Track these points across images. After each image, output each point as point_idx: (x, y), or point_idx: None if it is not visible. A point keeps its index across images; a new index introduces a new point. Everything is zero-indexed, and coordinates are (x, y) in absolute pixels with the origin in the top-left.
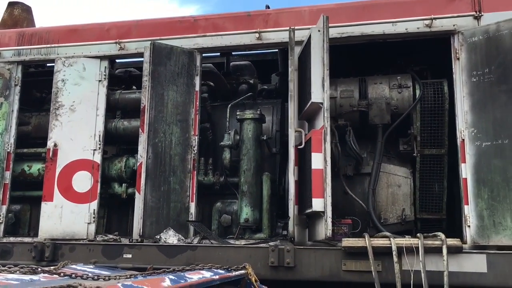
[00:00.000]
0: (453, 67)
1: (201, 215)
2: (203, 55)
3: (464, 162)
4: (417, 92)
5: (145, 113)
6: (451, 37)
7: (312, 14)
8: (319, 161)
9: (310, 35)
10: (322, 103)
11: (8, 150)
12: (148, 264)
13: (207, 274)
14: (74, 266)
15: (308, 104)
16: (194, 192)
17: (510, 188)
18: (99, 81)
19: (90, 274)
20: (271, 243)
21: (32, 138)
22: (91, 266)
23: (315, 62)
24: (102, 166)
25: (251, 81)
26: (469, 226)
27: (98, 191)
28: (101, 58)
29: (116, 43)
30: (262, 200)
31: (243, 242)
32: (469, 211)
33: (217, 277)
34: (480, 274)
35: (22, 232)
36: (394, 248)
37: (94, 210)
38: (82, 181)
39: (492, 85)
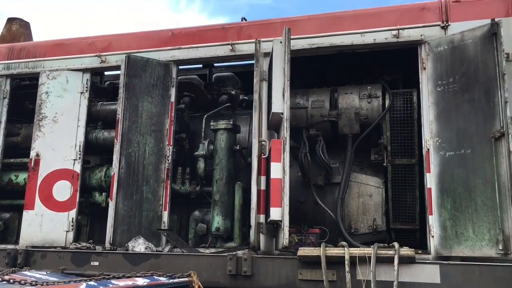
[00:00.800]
0: (420, 76)
1: (179, 224)
2: (185, 67)
3: (429, 172)
4: (387, 102)
5: (119, 123)
6: (418, 47)
7: (285, 26)
8: (278, 170)
9: (272, 47)
10: (282, 113)
11: None
12: (114, 271)
13: (140, 282)
14: (25, 273)
15: (270, 115)
16: (168, 201)
17: (471, 198)
18: (81, 93)
19: (28, 280)
20: (234, 252)
21: (21, 148)
22: (44, 273)
23: (276, 73)
24: (83, 175)
25: (233, 92)
26: (432, 236)
27: (77, 200)
28: (83, 70)
29: (97, 56)
30: (234, 209)
31: (213, 250)
32: (433, 221)
33: (145, 283)
34: (433, 285)
35: (10, 240)
36: (347, 257)
37: (72, 218)
38: (62, 190)
39: (456, 94)
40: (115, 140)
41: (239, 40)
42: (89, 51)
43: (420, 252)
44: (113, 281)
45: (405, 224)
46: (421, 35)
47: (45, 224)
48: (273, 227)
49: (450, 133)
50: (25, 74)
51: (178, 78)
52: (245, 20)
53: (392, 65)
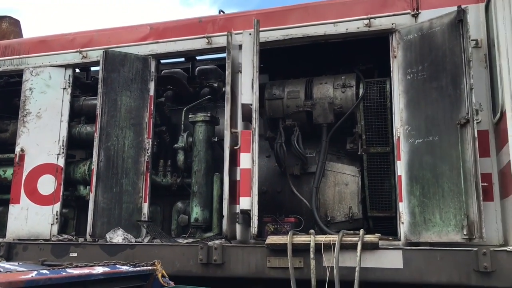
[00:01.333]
0: (391, 65)
1: (162, 215)
2: (170, 61)
3: (399, 159)
4: (361, 91)
5: (97, 118)
6: (389, 36)
7: (260, 18)
8: (247, 160)
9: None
10: (251, 104)
11: None
12: (92, 261)
13: (99, 270)
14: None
15: (240, 106)
16: (147, 193)
17: (439, 184)
18: (64, 88)
19: None
20: (206, 242)
21: (10, 144)
22: (16, 263)
23: (245, 64)
24: (68, 169)
25: (215, 85)
26: (402, 223)
27: (61, 193)
28: (66, 66)
29: (78, 52)
30: (212, 200)
31: (189, 240)
32: (403, 208)
33: (100, 272)
34: (396, 270)
35: (2, 234)
36: (312, 245)
37: (57, 211)
38: (47, 184)
39: (424, 82)
40: (95, 134)
41: (214, 33)
42: (71, 47)
43: (391, 238)
44: (68, 270)
45: (382, 212)
46: (392, 24)
47: (30, 218)
48: (248, 217)
49: (419, 121)
50: (9, 71)
51: (162, 72)
52: (223, 12)
53: (367, 55)
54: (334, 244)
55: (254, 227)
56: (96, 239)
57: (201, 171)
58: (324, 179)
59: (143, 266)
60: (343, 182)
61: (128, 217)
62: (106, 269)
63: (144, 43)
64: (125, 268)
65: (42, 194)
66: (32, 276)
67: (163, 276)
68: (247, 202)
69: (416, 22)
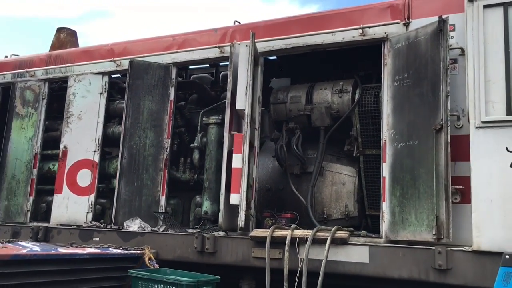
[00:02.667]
0: (382, 72)
1: (183, 208)
2: (199, 66)
3: (385, 161)
4: (357, 96)
5: (123, 120)
6: (382, 44)
7: (266, 28)
8: (238, 161)
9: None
10: (244, 110)
11: (36, 152)
12: (112, 244)
13: (90, 251)
14: (21, 243)
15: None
16: (165, 187)
17: (416, 186)
18: (101, 93)
19: (14, 247)
20: (202, 233)
21: (60, 142)
22: (37, 244)
23: (241, 73)
24: (103, 165)
25: None
26: (384, 221)
27: (96, 186)
28: (103, 74)
29: (112, 61)
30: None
31: (192, 231)
32: (385, 207)
33: (86, 252)
34: (363, 264)
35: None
36: (288, 238)
37: (91, 201)
38: (84, 177)
39: (409, 88)
40: (122, 134)
41: (227, 43)
42: (107, 57)
43: (373, 236)
44: (59, 249)
45: (378, 211)
46: (385, 33)
47: (70, 206)
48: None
49: (402, 125)
50: (58, 78)
51: (191, 76)
52: (238, 23)
53: (370, 61)
54: (307, 239)
55: (241, 220)
56: (119, 227)
57: (211, 168)
58: (323, 178)
59: (133, 250)
60: (340, 182)
61: (147, 208)
62: (95, 250)
63: (167, 53)
64: (116, 251)
65: (80, 186)
66: (20, 252)
67: (150, 259)
68: (237, 198)
69: (407, 30)
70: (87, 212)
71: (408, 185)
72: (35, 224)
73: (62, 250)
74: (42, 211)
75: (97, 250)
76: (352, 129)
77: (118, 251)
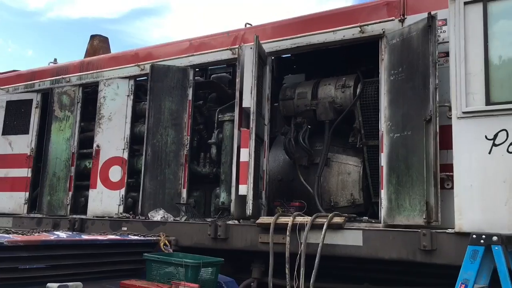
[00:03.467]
0: (379, 67)
1: (204, 199)
2: (217, 66)
3: (383, 152)
4: (359, 90)
5: (146, 120)
6: (379, 40)
7: (274, 30)
8: (245, 155)
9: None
10: (249, 108)
11: (73, 151)
12: (131, 232)
13: (111, 237)
14: (55, 232)
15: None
16: (186, 180)
17: (409, 174)
18: (128, 96)
19: (45, 235)
20: (215, 221)
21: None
22: (70, 233)
23: (247, 73)
24: (131, 161)
25: None
26: (382, 208)
27: (125, 180)
28: (129, 78)
29: (137, 65)
30: None
31: (209, 220)
32: (383, 194)
33: (105, 238)
34: (357, 247)
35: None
36: (290, 224)
37: (122, 195)
38: (115, 173)
39: (403, 82)
40: (145, 133)
41: (238, 45)
42: (133, 61)
43: (373, 221)
44: (83, 235)
45: None
46: (382, 29)
47: (104, 200)
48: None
49: (397, 117)
50: (90, 83)
51: (211, 76)
52: (250, 25)
53: (369, 57)
54: (306, 224)
55: (249, 209)
56: (146, 217)
57: (227, 162)
58: (329, 169)
59: (150, 237)
60: (346, 172)
61: (170, 200)
62: (115, 237)
63: (185, 56)
64: (134, 237)
65: (112, 181)
66: (48, 238)
67: (165, 245)
68: (245, 189)
69: (402, 27)
70: (119, 205)
71: (403, 173)
72: (72, 216)
73: (85, 237)
74: (81, 205)
75: (117, 237)
76: (355, 121)
77: (136, 237)
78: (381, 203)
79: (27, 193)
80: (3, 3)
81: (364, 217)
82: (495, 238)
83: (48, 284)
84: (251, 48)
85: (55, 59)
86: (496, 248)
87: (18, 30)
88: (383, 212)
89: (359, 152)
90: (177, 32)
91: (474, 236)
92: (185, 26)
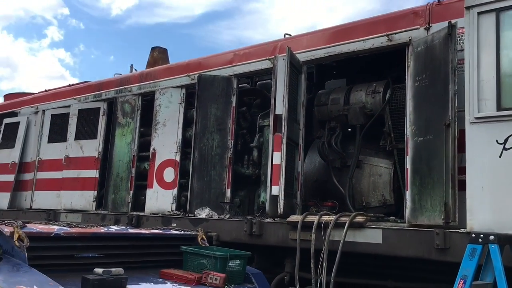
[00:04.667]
0: (406, 73)
1: (248, 199)
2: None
3: (408, 154)
4: (388, 96)
5: (194, 125)
6: (406, 48)
7: (308, 40)
8: (277, 158)
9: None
10: (281, 114)
11: (133, 154)
12: (184, 229)
13: (153, 231)
14: (111, 226)
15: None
16: (230, 181)
17: (431, 176)
18: (180, 103)
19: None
20: (251, 219)
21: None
22: (124, 228)
23: (279, 82)
24: (183, 163)
25: None
26: (407, 208)
27: (178, 181)
28: (181, 87)
29: (187, 76)
30: None
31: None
32: (408, 195)
33: (148, 232)
34: (377, 245)
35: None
36: (315, 223)
37: (175, 194)
38: (169, 174)
39: (426, 88)
40: (193, 138)
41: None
42: (184, 72)
43: (399, 221)
44: (130, 229)
45: None
46: (409, 37)
47: (159, 198)
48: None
49: (421, 122)
50: (148, 92)
51: (257, 83)
52: (289, 35)
53: (400, 63)
54: (330, 223)
55: (280, 208)
56: (193, 215)
57: (267, 164)
58: (361, 171)
59: (189, 231)
60: (377, 173)
61: (215, 199)
62: (157, 231)
63: (229, 66)
64: (175, 232)
65: (166, 181)
66: (99, 231)
67: (202, 239)
68: (276, 189)
69: (427, 35)
70: (172, 203)
71: (425, 175)
72: (131, 213)
73: (131, 230)
74: (141, 203)
75: (159, 231)
76: (385, 125)
77: (177, 232)
78: (406, 204)
79: (95, 192)
80: (87, 13)
81: (391, 217)
82: (492, 237)
83: (95, 269)
84: (283, 59)
85: (131, 65)
86: (493, 246)
87: (100, 37)
88: (407, 212)
89: (390, 155)
90: (247, 34)
91: (473, 235)
92: (255, 28)
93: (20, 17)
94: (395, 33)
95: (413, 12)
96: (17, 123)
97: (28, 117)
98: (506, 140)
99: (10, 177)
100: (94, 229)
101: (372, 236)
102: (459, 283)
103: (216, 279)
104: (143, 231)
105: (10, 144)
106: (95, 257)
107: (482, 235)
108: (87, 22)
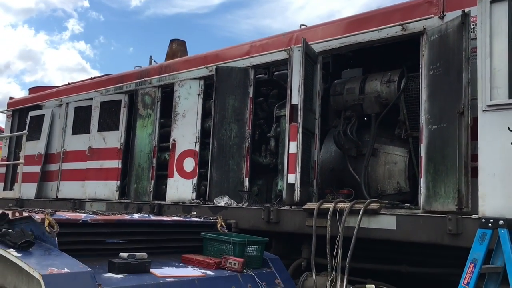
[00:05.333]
0: (420, 62)
1: (266, 187)
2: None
3: (422, 142)
4: (402, 85)
5: (212, 116)
6: (420, 37)
7: (324, 31)
8: (293, 147)
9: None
10: (297, 104)
11: (154, 145)
12: (194, 215)
13: (174, 218)
14: (134, 214)
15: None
16: (248, 170)
17: (445, 163)
18: (198, 95)
19: (110, 215)
20: (268, 206)
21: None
22: (146, 215)
23: (295, 73)
24: (202, 153)
25: None
26: (421, 195)
27: (197, 170)
28: (199, 78)
29: (205, 67)
30: None
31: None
32: (422, 183)
33: (169, 219)
34: (391, 231)
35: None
36: (331, 210)
37: (194, 183)
38: (189, 164)
39: (440, 77)
40: (211, 128)
41: (290, 46)
42: (203, 64)
43: (413, 208)
44: (152, 217)
45: None
46: (423, 27)
47: (179, 187)
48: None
49: (435, 110)
50: (168, 84)
51: (274, 74)
52: (305, 26)
53: (415, 52)
54: (345, 210)
55: (297, 196)
56: (212, 203)
57: (284, 153)
58: (377, 159)
59: (209, 219)
60: (392, 161)
61: (234, 188)
62: (178, 218)
63: (246, 58)
64: (195, 219)
65: (186, 171)
66: (123, 218)
67: (221, 226)
68: (293, 178)
69: (442, 23)
70: (192, 192)
71: (439, 163)
72: (152, 202)
73: (153, 217)
74: (163, 192)
75: (180, 218)
76: (400, 114)
77: (197, 219)
78: (420, 191)
79: (118, 182)
80: (106, 5)
81: (406, 204)
82: (501, 222)
83: (120, 254)
84: (299, 50)
85: (151, 57)
86: (502, 231)
87: (120, 29)
88: (422, 199)
89: (405, 143)
90: (265, 23)
91: (483, 220)
92: (273, 17)
93: (41, 10)
94: (409, 22)
95: (428, 1)
96: (42, 116)
97: (52, 110)
98: None
99: (37, 168)
100: (119, 216)
101: (387, 222)
102: (469, 266)
103: (235, 264)
104: (165, 218)
105: (36, 136)
106: (120, 243)
107: (492, 220)
108: (107, 14)
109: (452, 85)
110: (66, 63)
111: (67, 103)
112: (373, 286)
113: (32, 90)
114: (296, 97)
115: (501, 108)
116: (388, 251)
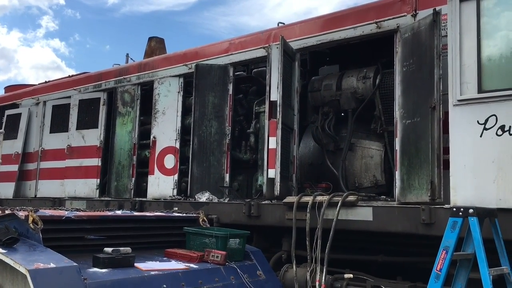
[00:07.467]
0: (394, 59)
1: (246, 183)
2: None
3: (397, 136)
4: (378, 81)
5: (192, 113)
6: (394, 35)
7: (301, 28)
8: (273, 142)
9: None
10: (276, 101)
11: (134, 142)
12: (176, 210)
13: (157, 214)
14: (116, 211)
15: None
16: (228, 166)
17: (418, 156)
18: (178, 92)
19: (106, 212)
20: (249, 201)
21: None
22: (128, 212)
23: (274, 70)
24: (182, 150)
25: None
26: (396, 187)
27: (178, 167)
28: (179, 76)
29: (185, 65)
30: None
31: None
32: (397, 175)
33: (152, 215)
34: (368, 222)
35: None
36: (310, 203)
37: (176, 180)
38: (169, 161)
39: (413, 73)
40: (192, 125)
41: (268, 44)
42: (182, 61)
43: (389, 200)
44: (134, 213)
45: None
46: (397, 24)
47: (160, 184)
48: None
49: (409, 105)
50: (147, 82)
51: (253, 71)
52: (283, 24)
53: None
54: (323, 203)
55: (277, 190)
56: (194, 199)
57: (263, 149)
58: (354, 153)
59: (191, 214)
60: (368, 155)
61: (215, 184)
62: (160, 214)
63: (226, 55)
64: (178, 214)
65: (167, 168)
66: (106, 214)
67: (203, 220)
68: (273, 172)
69: (414, 21)
70: (173, 188)
71: (413, 156)
72: (134, 199)
73: (136, 213)
74: (143, 189)
75: (163, 214)
76: (375, 109)
77: (179, 214)
78: (395, 183)
79: (98, 180)
80: (82, 3)
81: (382, 196)
82: (471, 210)
83: (105, 249)
84: (277, 47)
85: (127, 54)
86: (472, 219)
87: (96, 27)
88: (397, 191)
89: (381, 137)
90: (243, 21)
91: (454, 209)
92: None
93: (15, 8)
94: (383, 20)
95: (401, 0)
96: (19, 115)
97: (29, 109)
98: (486, 120)
99: (14, 167)
100: (102, 213)
101: (364, 214)
102: (442, 253)
103: (217, 257)
104: (147, 213)
105: (13, 135)
106: (103, 239)
107: (462, 209)
108: (83, 11)
109: (424, 81)
110: (40, 61)
111: (45, 102)
112: (351, 275)
113: (8, 88)
114: (275, 93)
115: (470, 102)
116: (366, 241)
